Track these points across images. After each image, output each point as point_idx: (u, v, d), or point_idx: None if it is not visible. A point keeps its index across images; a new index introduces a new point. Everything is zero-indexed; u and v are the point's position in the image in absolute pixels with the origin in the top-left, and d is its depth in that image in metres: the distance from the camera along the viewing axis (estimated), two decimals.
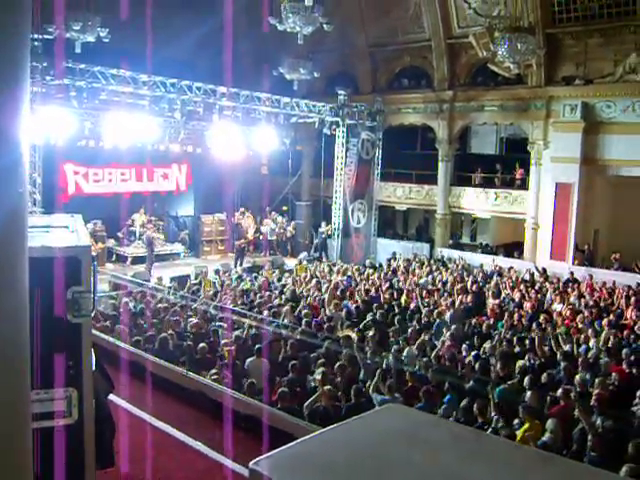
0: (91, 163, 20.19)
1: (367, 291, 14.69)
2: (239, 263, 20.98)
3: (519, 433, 6.69)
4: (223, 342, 10.21)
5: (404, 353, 9.73)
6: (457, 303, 13.52)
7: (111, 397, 5.44)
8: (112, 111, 17.63)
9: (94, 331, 9.27)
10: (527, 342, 10.53)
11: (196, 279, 16.97)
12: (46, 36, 14.84)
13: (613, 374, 8.68)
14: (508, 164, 22.18)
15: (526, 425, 6.78)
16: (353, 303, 13.63)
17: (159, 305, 13.17)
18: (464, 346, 10.23)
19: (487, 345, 10.26)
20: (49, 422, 3.21)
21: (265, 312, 12.24)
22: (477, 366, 8.99)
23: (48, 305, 3.08)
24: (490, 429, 6.65)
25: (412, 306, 13.55)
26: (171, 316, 12.17)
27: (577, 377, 8.32)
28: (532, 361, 9.39)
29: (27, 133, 1.98)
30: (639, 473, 5.35)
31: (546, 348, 10.13)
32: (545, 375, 8.54)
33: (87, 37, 15.73)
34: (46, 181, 17.25)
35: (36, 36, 14.48)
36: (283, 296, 14.20)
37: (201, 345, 9.73)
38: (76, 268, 3.22)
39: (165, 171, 22.64)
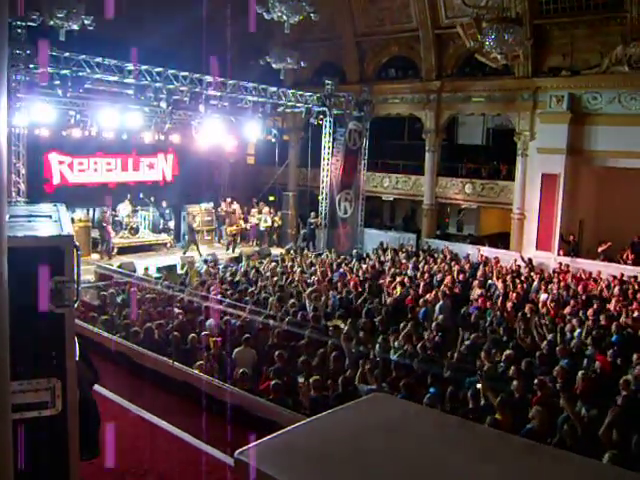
0: (76, 152, 19.99)
1: (355, 284, 14.72)
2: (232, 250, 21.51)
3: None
4: (209, 332, 10.19)
5: (396, 344, 9.78)
6: (442, 293, 13.56)
7: (96, 387, 5.42)
8: (97, 100, 17.47)
9: (79, 321, 9.23)
10: (513, 332, 10.63)
11: (182, 269, 16.92)
12: (30, 23, 14.63)
13: (597, 363, 8.78)
14: (495, 155, 22.26)
15: (498, 416, 6.83)
16: (338, 294, 13.66)
17: (147, 295, 13.14)
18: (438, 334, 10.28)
19: (472, 335, 10.32)
20: (32, 413, 3.18)
21: (252, 302, 12.24)
22: (461, 356, 9.06)
23: (30, 295, 3.05)
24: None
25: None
26: (158, 306, 12.16)
27: (558, 365, 8.43)
28: (514, 350, 9.47)
29: (4, 119, 1.94)
30: (621, 459, 5.41)
31: (528, 340, 10.23)
32: (526, 364, 8.61)
33: (72, 25, 15.51)
34: (31, 171, 17.06)
35: (19, 23, 14.29)
36: (267, 283, 14.26)
37: (191, 335, 9.72)
38: (59, 258, 3.19)
39: (151, 161, 22.48)
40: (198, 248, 20.80)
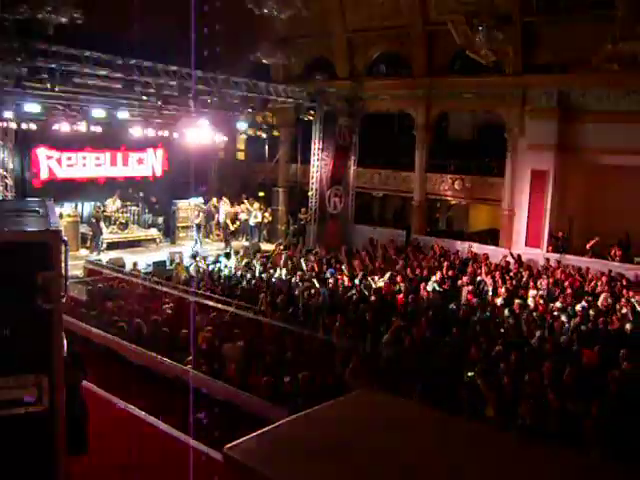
0: (65, 147, 19.84)
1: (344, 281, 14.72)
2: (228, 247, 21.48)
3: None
4: (198, 328, 10.17)
5: (385, 339, 9.80)
6: (431, 289, 13.61)
7: (84, 383, 5.40)
8: (86, 95, 17.35)
9: (67, 317, 9.18)
10: (502, 327, 10.69)
11: (171, 265, 16.87)
12: (18, 16, 14.50)
13: (584, 358, 8.84)
14: (484, 151, 22.28)
15: (488, 412, 6.88)
16: (329, 290, 13.66)
17: (136, 291, 13.10)
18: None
19: (460, 330, 10.37)
20: (19, 409, 3.17)
21: (242, 298, 12.23)
22: (450, 351, 9.10)
23: (17, 290, 3.03)
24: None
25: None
26: (148, 302, 12.13)
27: (546, 361, 8.47)
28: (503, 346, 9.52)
29: None
30: (608, 453, 5.46)
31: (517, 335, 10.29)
32: (515, 359, 8.66)
33: (60, 18, 15.38)
34: (19, 166, 16.94)
35: (7, 16, 14.16)
36: (256, 278, 14.22)
37: (184, 331, 9.69)
38: (46, 253, 3.16)
39: (140, 156, 22.35)
40: (197, 243, 21.02)
